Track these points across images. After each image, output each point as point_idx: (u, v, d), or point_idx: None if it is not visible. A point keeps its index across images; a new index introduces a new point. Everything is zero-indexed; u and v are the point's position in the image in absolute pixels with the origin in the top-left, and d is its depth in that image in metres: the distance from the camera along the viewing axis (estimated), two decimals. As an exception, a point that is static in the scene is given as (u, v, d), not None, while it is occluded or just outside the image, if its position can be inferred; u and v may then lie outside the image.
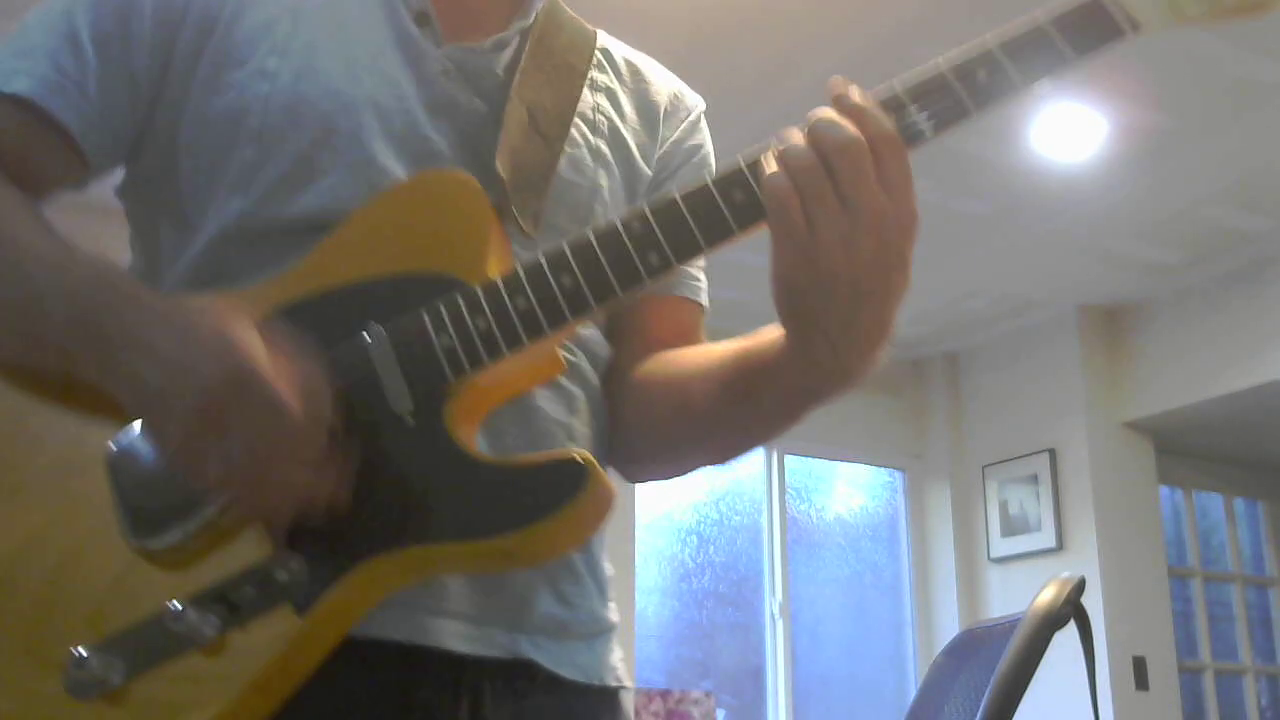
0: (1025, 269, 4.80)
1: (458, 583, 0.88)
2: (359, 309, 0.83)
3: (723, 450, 0.98)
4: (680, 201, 0.81)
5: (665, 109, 1.11)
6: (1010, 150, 3.92)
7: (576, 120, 1.02)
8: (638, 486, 4.93)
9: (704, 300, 1.09)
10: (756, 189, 0.80)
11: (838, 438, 5.46)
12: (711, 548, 5.20)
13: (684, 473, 1.04)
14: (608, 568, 1.01)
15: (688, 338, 1.04)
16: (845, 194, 0.76)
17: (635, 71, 1.12)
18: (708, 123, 1.14)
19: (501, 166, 0.94)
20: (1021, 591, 4.82)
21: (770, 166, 0.78)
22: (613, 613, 1.00)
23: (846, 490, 5.65)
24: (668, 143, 1.09)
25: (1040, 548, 5.08)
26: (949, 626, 5.23)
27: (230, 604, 0.79)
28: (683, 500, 5.20)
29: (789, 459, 5.39)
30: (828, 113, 0.78)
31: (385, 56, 0.97)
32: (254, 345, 0.77)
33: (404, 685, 0.85)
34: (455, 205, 0.88)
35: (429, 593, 0.86)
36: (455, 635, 0.87)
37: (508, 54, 1.01)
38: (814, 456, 5.50)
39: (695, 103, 1.15)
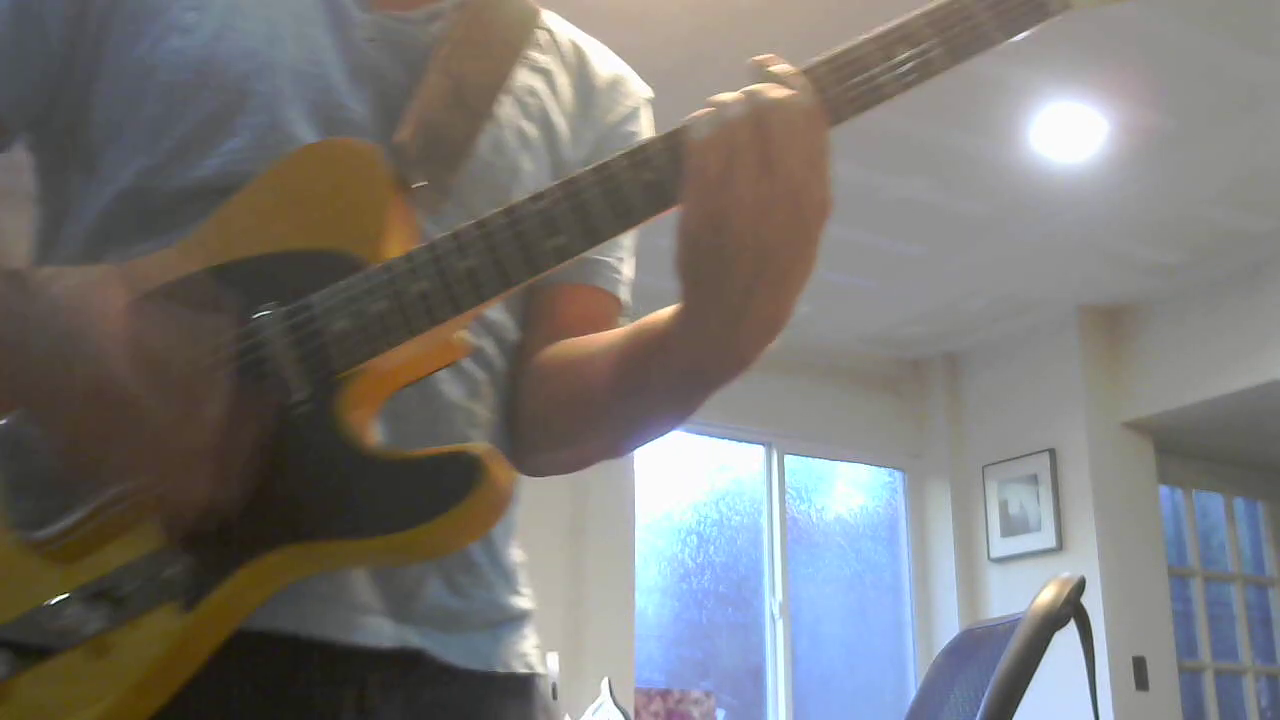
0: (1025, 269, 4.80)
1: (348, 571, 0.85)
2: (252, 288, 0.79)
3: (618, 439, 0.95)
4: (589, 180, 0.78)
5: (604, 92, 1.06)
6: (1010, 150, 3.92)
7: (505, 99, 0.98)
8: (638, 487, 4.94)
9: (623, 294, 1.04)
10: (669, 169, 0.76)
11: (838, 438, 5.46)
12: (711, 548, 5.20)
13: (581, 464, 0.99)
14: (515, 555, 0.98)
15: (598, 329, 0.98)
16: (772, 156, 0.73)
17: (579, 53, 1.07)
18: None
19: (406, 135, 0.89)
20: (1021, 591, 4.82)
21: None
22: (523, 601, 0.97)
23: (846, 490, 5.65)
24: (602, 126, 1.05)
25: (1040, 548, 5.08)
26: (949, 626, 5.23)
27: (115, 600, 0.76)
28: (683, 500, 5.20)
29: (789, 459, 5.39)
30: (770, 87, 0.75)
31: (309, 20, 0.93)
32: (118, 348, 0.73)
33: (286, 677, 0.83)
34: (353, 175, 0.84)
35: (319, 581, 0.83)
36: (342, 625, 0.84)
37: (440, 26, 0.97)
38: (814, 456, 5.50)
39: (638, 90, 1.09)
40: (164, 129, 0.88)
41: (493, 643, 0.93)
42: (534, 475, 1.00)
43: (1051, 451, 5.10)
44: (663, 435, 0.92)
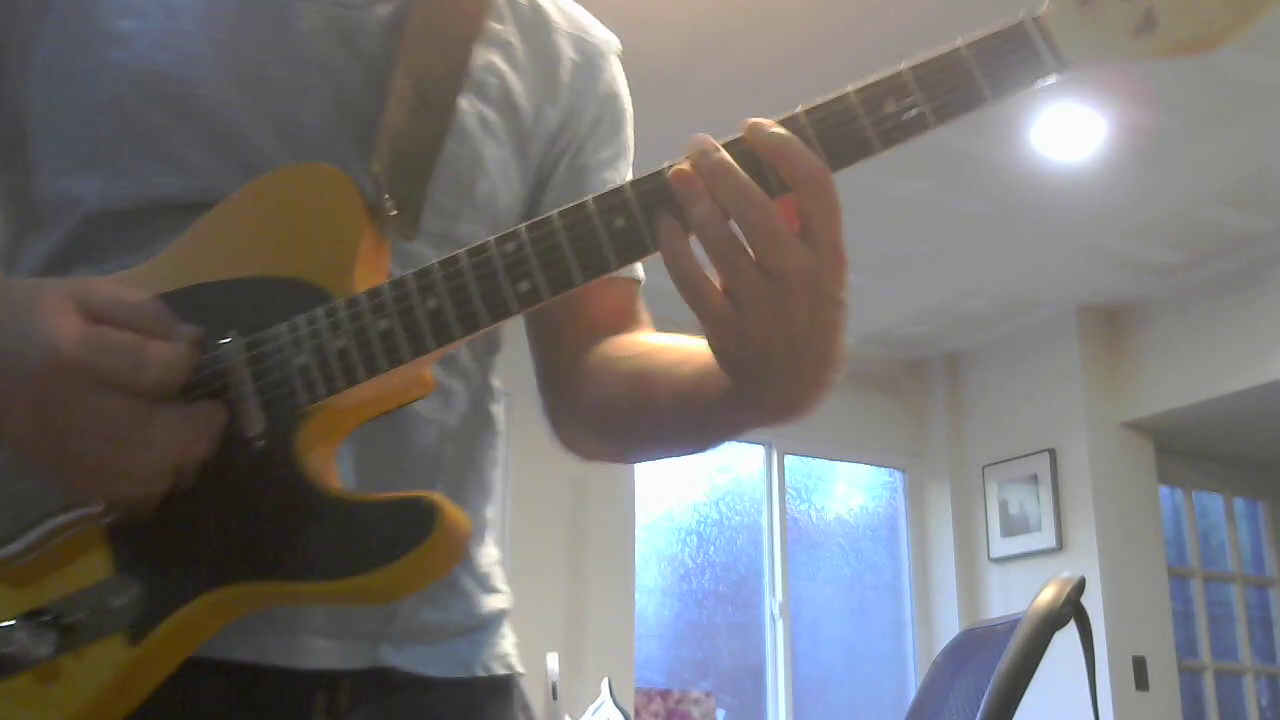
0: (1025, 269, 4.81)
1: None
2: (216, 313, 0.77)
3: (665, 453, 0.96)
4: (559, 224, 0.75)
5: (568, 57, 1.01)
6: (1010, 150, 3.92)
7: (466, 83, 0.93)
8: (638, 487, 4.94)
9: (639, 274, 1.02)
10: (640, 216, 0.74)
11: (838, 438, 5.46)
12: (711, 548, 5.20)
13: (618, 461, 1.02)
14: (489, 554, 0.96)
15: (628, 315, 1.00)
16: (765, 263, 0.70)
17: (537, 14, 1.02)
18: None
19: (379, 162, 0.84)
20: (1021, 591, 4.82)
21: (663, 217, 0.72)
22: (499, 600, 0.95)
23: (846, 490, 5.65)
24: (569, 95, 1.01)
25: (1040, 548, 5.08)
26: (949, 626, 5.23)
27: (63, 627, 0.75)
28: (683, 500, 5.21)
29: (789, 459, 5.39)
30: (729, 171, 0.71)
31: (252, 17, 0.88)
32: (69, 327, 0.72)
33: (246, 693, 0.82)
34: (327, 204, 0.81)
35: (278, 613, 0.81)
36: (306, 653, 0.82)
37: (388, 9, 0.91)
38: (814, 456, 5.50)
39: (605, 44, 1.05)
40: (117, 147, 0.85)
41: (472, 648, 0.92)
42: (568, 448, 1.01)
43: (1051, 451, 5.10)
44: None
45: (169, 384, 0.74)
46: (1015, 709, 1.63)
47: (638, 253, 0.75)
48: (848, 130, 0.72)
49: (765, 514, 5.31)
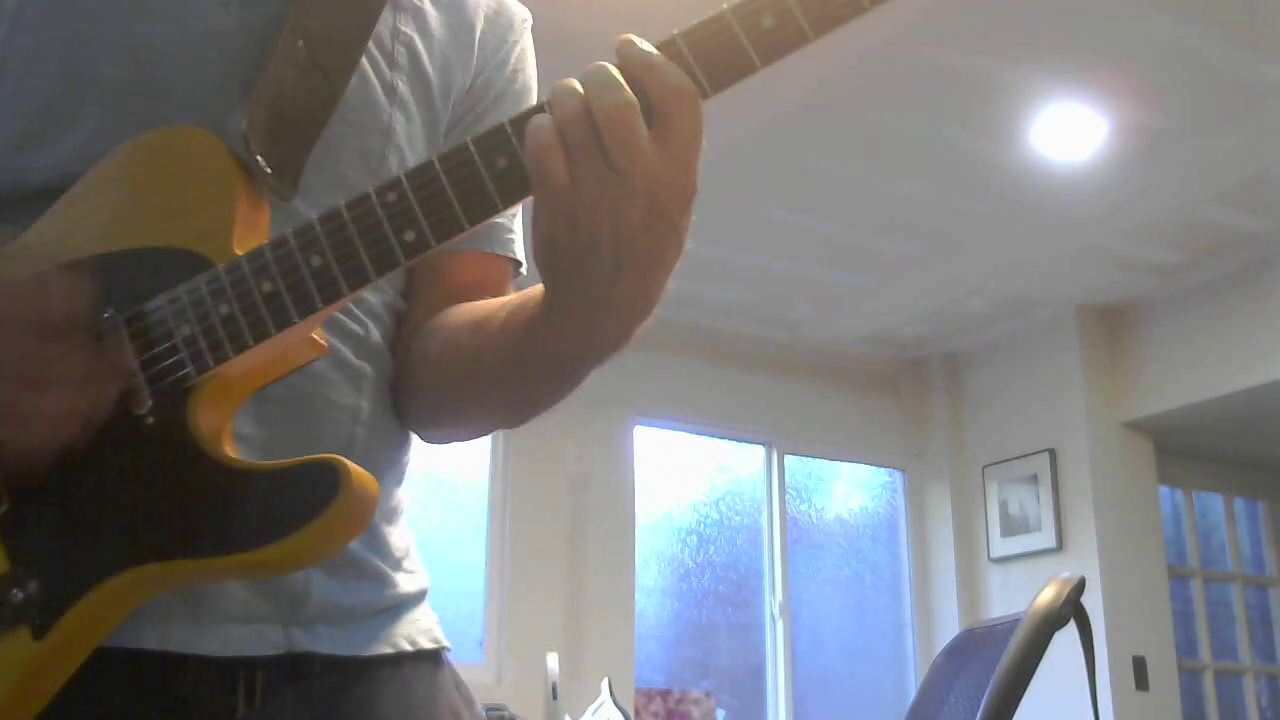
0: (1025, 269, 4.80)
1: (222, 584, 0.81)
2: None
3: (507, 417, 0.92)
4: (441, 169, 0.72)
5: (482, 30, 0.99)
6: (1010, 150, 3.92)
7: (370, 49, 0.89)
8: (638, 488, 4.94)
9: (517, 254, 0.99)
10: (521, 154, 0.72)
11: (838, 438, 5.46)
12: (711, 548, 5.20)
13: (478, 436, 0.98)
14: (401, 535, 0.93)
15: (493, 291, 0.95)
16: (613, 159, 0.69)
17: None
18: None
19: (250, 119, 0.80)
20: (1021, 591, 4.82)
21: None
22: (413, 581, 0.93)
23: (846, 490, 5.65)
24: (483, 73, 0.98)
25: (1040, 548, 5.08)
26: (949, 626, 5.23)
27: None
28: (683, 500, 5.21)
29: (789, 459, 5.39)
30: (604, 67, 0.70)
31: None
32: None
33: (164, 687, 0.79)
34: (196, 167, 0.78)
35: (187, 599, 0.79)
36: (218, 640, 0.80)
37: None
38: (814, 456, 5.50)
39: (518, 17, 1.03)
40: None
41: (391, 624, 0.90)
42: (433, 444, 0.97)
43: (1051, 451, 5.10)
44: (552, 406, 0.88)
45: (74, 317, 0.72)
46: (1015, 709, 1.63)
47: (522, 191, 0.73)
48: (727, 50, 0.72)
49: (765, 514, 5.31)
